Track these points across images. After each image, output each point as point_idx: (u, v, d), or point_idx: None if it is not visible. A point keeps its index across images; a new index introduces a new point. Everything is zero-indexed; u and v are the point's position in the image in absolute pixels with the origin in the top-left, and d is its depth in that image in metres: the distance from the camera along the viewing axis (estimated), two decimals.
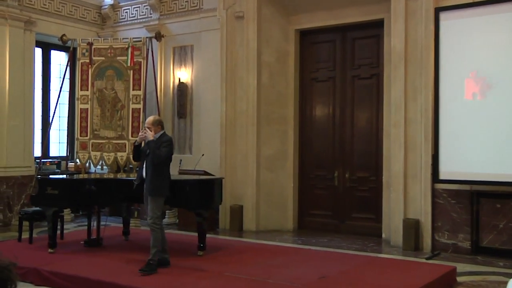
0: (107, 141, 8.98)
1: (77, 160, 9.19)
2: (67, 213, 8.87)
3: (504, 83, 6.39)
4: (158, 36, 9.20)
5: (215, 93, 8.92)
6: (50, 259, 6.08)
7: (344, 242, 7.54)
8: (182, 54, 9.61)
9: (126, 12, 10.29)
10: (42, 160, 9.15)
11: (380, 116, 7.99)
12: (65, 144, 9.79)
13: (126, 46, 8.87)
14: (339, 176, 8.41)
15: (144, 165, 5.71)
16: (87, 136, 9.03)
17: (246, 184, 8.56)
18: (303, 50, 8.82)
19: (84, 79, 9.04)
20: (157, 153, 5.58)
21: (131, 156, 7.39)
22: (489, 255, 6.60)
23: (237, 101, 8.68)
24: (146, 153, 5.68)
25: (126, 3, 10.26)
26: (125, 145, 8.86)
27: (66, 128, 9.89)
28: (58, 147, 10.44)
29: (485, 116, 6.49)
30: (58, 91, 9.16)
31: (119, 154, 8.76)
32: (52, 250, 6.40)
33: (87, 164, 9.22)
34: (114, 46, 9.03)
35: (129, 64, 8.82)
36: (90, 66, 9.03)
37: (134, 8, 10.21)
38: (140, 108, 8.86)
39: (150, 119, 5.86)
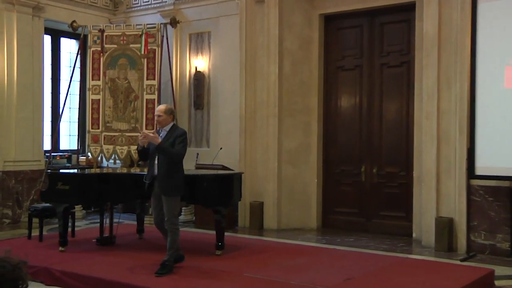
0: (120, 134, 9.04)
1: (89, 154, 9.27)
2: (78, 210, 8.97)
3: None
4: (174, 22, 9.21)
5: (234, 82, 8.91)
6: (61, 258, 6.15)
7: (372, 242, 7.51)
8: (198, 41, 9.62)
9: None
10: (52, 154, 9.26)
11: (410, 107, 7.92)
12: (76, 137, 9.88)
13: (140, 33, 8.90)
14: (366, 171, 8.37)
15: (156, 162, 5.59)
16: (99, 128, 9.10)
17: (266, 179, 8.56)
18: (328, 37, 8.77)
19: (96, 68, 9.10)
20: (173, 152, 5.48)
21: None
22: None
23: (257, 91, 8.66)
24: (155, 149, 5.53)
25: None
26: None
27: (77, 120, 9.98)
28: (68, 140, 10.56)
29: None
30: (68, 81, 9.24)
31: (132, 147, 8.80)
32: (63, 249, 6.48)
33: (99, 158, 9.30)
34: (127, 33, 9.06)
35: (142, 52, 8.85)
36: (101, 54, 9.08)
37: None
38: (154, 99, 8.89)
39: (161, 107, 5.76)
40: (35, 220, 7.37)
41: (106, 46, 9.09)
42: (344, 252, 6.84)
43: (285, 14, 8.56)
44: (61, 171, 7.64)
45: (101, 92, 9.09)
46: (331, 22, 8.74)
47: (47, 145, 9.56)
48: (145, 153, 5.73)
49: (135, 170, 7.28)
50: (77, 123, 9.95)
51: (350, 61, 8.59)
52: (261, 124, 8.64)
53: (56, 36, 10.21)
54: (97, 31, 9.13)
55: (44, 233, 7.38)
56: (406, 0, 7.81)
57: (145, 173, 5.86)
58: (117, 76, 9.09)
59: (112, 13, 10.53)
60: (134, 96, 9.03)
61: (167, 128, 5.65)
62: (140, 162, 9.08)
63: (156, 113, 5.75)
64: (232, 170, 8.08)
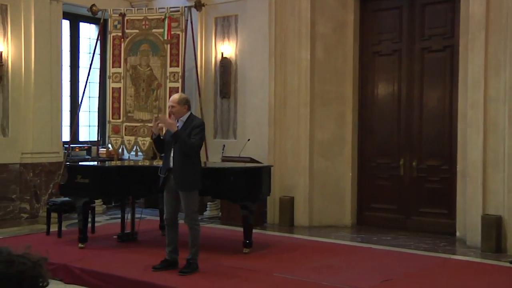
0: (142, 124, 9.11)
1: (109, 146, 9.37)
2: (98, 204, 9.07)
3: None
4: (198, 5, 9.22)
5: (263, 69, 8.89)
6: (80, 255, 6.24)
7: (411, 241, 7.45)
8: (225, 26, 9.61)
9: None
10: (71, 146, 9.38)
11: (454, 95, 7.80)
12: (96, 128, 9.99)
13: (163, 17, 8.94)
14: (405, 165, 8.29)
15: (171, 154, 5.60)
16: (120, 118, 9.18)
17: (297, 173, 8.55)
18: (364, 19, 8.69)
19: (116, 54, 9.18)
20: (190, 143, 5.46)
21: None
22: None
23: (288, 79, 8.63)
24: (171, 141, 5.55)
25: None
26: (162, 129, 8.93)
27: (96, 110, 10.08)
28: (88, 131, 10.68)
29: None
30: (88, 68, 9.33)
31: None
32: (82, 245, 6.57)
33: (120, 150, 9.39)
34: (149, 17, 9.11)
35: (166, 38, 8.89)
36: (122, 40, 9.15)
37: None
38: (178, 87, 8.93)
39: (175, 97, 5.74)
40: (54, 215, 7.48)
41: (127, 31, 9.16)
42: (381, 251, 6.80)
43: None
44: (80, 163, 7.75)
45: (122, 80, 9.17)
46: (367, 3, 8.65)
47: (65, 136, 9.68)
48: (160, 144, 5.73)
49: (158, 163, 7.32)
50: (97, 113, 10.06)
51: (388, 45, 8.49)
52: (292, 114, 8.61)
53: (75, 21, 10.31)
54: (117, 15, 9.19)
55: (63, 228, 7.49)
56: None
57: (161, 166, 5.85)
58: (139, 63, 9.15)
59: None
60: (157, 84, 9.08)
61: (184, 118, 5.65)
62: (163, 154, 9.15)
63: (169, 103, 5.73)
64: (260, 163, 8.08)
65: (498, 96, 6.96)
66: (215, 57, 9.69)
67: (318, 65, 8.55)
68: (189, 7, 9.12)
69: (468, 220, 7.22)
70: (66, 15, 9.77)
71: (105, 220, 9.00)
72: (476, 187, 7.11)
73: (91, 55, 9.52)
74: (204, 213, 9.17)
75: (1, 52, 8.61)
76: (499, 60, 6.94)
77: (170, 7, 9.11)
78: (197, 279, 5.39)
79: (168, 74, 9.03)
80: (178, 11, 9.03)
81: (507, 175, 6.87)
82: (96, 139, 9.78)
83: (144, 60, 9.13)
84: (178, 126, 5.59)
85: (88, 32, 10.62)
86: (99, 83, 9.66)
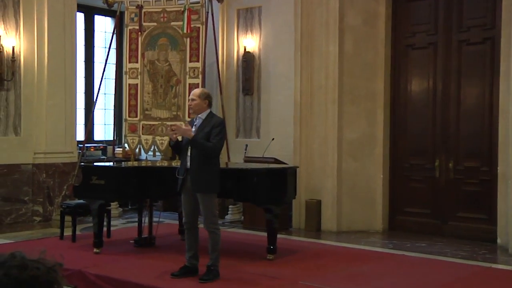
0: (160, 122, 9.16)
1: (126, 145, 9.44)
2: (114, 207, 9.16)
3: None
4: None
5: (288, 64, 8.89)
6: (95, 261, 6.30)
7: (448, 248, 7.39)
8: (248, 18, 9.62)
9: None
10: (86, 145, 9.47)
11: (494, 91, 7.73)
12: (112, 126, 10.08)
13: (182, 9, 8.97)
14: (441, 166, 8.24)
15: (188, 154, 5.61)
16: (137, 116, 9.24)
17: (325, 174, 8.53)
18: (397, 10, 8.65)
19: (133, 49, 9.24)
20: (209, 147, 5.48)
21: None
22: None
23: (315, 74, 8.62)
24: (188, 142, 5.57)
25: None
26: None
27: (112, 108, 10.17)
28: (103, 130, 10.79)
29: None
30: (103, 64, 9.41)
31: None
32: (97, 250, 6.63)
33: (137, 150, 9.45)
34: (167, 10, 9.16)
35: (185, 31, 8.92)
36: (140, 33, 9.21)
37: None
38: (198, 83, 8.95)
39: (196, 90, 5.81)
40: (68, 218, 7.56)
41: (144, 24, 9.21)
42: (415, 259, 6.76)
43: None
44: (95, 164, 7.82)
45: (139, 76, 9.23)
46: None
47: (80, 135, 9.79)
48: (179, 147, 5.76)
49: (177, 163, 7.35)
50: (112, 110, 10.14)
51: (423, 38, 8.44)
52: (319, 112, 8.60)
53: (90, 13, 10.42)
54: (134, 7, 9.26)
55: (77, 232, 7.56)
56: None
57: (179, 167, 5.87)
58: (157, 58, 9.20)
59: None
60: (176, 80, 9.13)
61: (203, 115, 5.66)
62: None
63: (190, 97, 5.76)
64: (285, 163, 8.08)
65: None
66: (237, 52, 9.71)
67: (347, 59, 8.52)
68: None
69: (510, 227, 7.14)
70: (80, 8, 9.88)
71: (121, 224, 9.07)
72: None
73: (107, 49, 9.59)
74: (226, 216, 9.20)
75: (13, 47, 8.73)
76: None
77: None
78: (218, 287, 5.41)
79: (187, 70, 9.07)
80: (198, 2, 9.06)
81: None
82: (112, 139, 9.86)
83: (162, 55, 9.18)
84: (196, 124, 5.62)
85: (104, 26, 10.72)
86: (115, 79, 9.73)
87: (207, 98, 5.68)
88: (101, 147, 10.16)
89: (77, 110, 9.71)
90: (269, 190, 6.41)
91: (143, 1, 9.39)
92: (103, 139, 10.63)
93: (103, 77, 9.38)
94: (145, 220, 7.26)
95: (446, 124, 8.24)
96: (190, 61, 9.06)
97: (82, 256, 6.45)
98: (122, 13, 9.51)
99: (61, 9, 9.21)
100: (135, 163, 8.17)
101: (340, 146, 8.50)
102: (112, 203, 8.20)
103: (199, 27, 9.01)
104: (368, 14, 8.59)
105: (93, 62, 10.51)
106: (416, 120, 8.51)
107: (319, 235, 8.26)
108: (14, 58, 8.72)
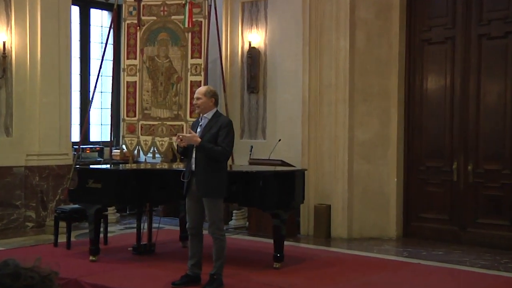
0: (160, 122, 9.17)
1: (124, 147, 9.45)
2: (111, 212, 9.16)
3: None
4: None
5: (296, 60, 8.89)
6: (92, 269, 6.31)
7: (467, 256, 7.38)
8: (253, 12, 9.63)
9: None
10: (81, 147, 9.49)
11: None
12: (109, 127, 10.08)
13: (183, 2, 8.98)
14: (459, 169, 8.22)
15: (194, 156, 5.63)
16: (135, 116, 9.26)
17: (335, 177, 8.53)
18: (412, 2, 8.64)
19: (132, 44, 9.26)
20: (218, 151, 5.49)
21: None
22: None
23: (324, 71, 8.62)
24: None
25: None
26: (183, 128, 9.00)
27: (109, 107, 10.18)
28: (100, 130, 10.79)
29: None
30: (100, 60, 9.42)
31: (175, 139, 8.92)
32: (94, 258, 6.63)
33: (136, 152, 9.47)
34: (168, 3, 9.17)
35: (186, 25, 8.93)
36: (138, 28, 9.22)
37: None
38: (200, 81, 8.97)
39: (201, 88, 5.82)
40: (62, 224, 7.57)
41: (143, 18, 9.22)
42: (431, 268, 6.74)
43: None
44: (91, 166, 7.83)
45: (137, 73, 9.24)
46: None
47: (75, 136, 9.80)
48: (188, 153, 5.74)
49: (178, 166, 7.37)
50: (109, 110, 10.15)
51: (440, 32, 8.43)
52: (329, 111, 8.59)
53: (86, 7, 10.44)
54: (133, 0, 9.27)
55: (72, 239, 7.57)
56: None
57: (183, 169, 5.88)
58: (157, 54, 9.21)
59: None
60: (177, 78, 9.13)
61: (209, 115, 5.67)
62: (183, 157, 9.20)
63: (195, 95, 5.77)
64: (293, 166, 8.07)
65: None
66: (242, 47, 9.71)
67: (358, 55, 8.51)
68: None
69: None
70: (75, 1, 9.89)
71: (119, 230, 9.08)
72: None
73: (104, 45, 9.61)
74: (230, 222, 9.20)
75: (4, 42, 8.74)
76: None
77: None
78: None
79: (189, 67, 9.08)
80: None
81: None
82: (109, 140, 9.86)
83: (162, 50, 9.19)
84: (201, 125, 5.63)
85: (100, 20, 10.73)
86: (112, 76, 9.74)
87: (213, 96, 5.69)
88: (97, 148, 10.17)
89: (72, 109, 9.71)
90: (276, 194, 6.41)
91: None
92: (100, 140, 10.64)
93: (100, 74, 9.40)
94: (144, 226, 7.26)
95: (465, 123, 8.22)
96: (192, 58, 9.07)
97: (78, 265, 6.46)
98: (119, 7, 9.53)
99: (55, 2, 9.21)
100: (134, 166, 8.18)
101: (351, 147, 8.49)
102: (109, 208, 8.19)
103: (201, 21, 9.02)
104: (381, 6, 8.58)
105: (89, 58, 10.52)
106: (432, 120, 8.49)
107: (329, 242, 8.26)
108: (5, 54, 8.73)
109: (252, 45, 9.57)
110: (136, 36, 9.23)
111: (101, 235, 7.16)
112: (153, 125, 9.20)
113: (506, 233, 7.79)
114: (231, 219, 9.26)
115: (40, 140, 9.08)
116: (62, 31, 9.30)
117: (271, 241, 6.52)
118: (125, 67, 9.30)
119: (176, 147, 6.08)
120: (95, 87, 9.38)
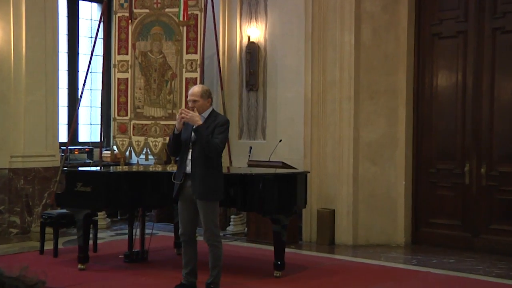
0: (153, 122, 9.16)
1: (114, 147, 9.44)
2: (101, 218, 9.16)
3: None
4: None
5: (297, 56, 8.89)
6: (80, 278, 6.30)
7: (480, 265, 7.39)
8: (252, 4, 9.63)
9: None
10: (69, 148, 9.47)
11: None
12: (99, 126, 10.08)
13: None
14: (471, 171, 8.23)
15: (189, 157, 5.63)
16: (127, 115, 9.25)
17: (339, 180, 8.54)
18: None
19: (123, 39, 9.25)
20: (213, 143, 5.50)
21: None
22: None
23: (328, 67, 8.63)
24: (189, 141, 5.59)
25: None
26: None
27: (99, 105, 10.17)
28: (89, 130, 10.78)
29: None
30: (89, 56, 9.42)
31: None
32: (83, 266, 6.63)
33: (127, 153, 9.46)
34: None
35: (181, 19, 8.93)
36: (130, 21, 9.21)
37: None
38: (196, 78, 8.97)
39: (196, 89, 5.77)
40: (49, 230, 7.56)
41: (135, 11, 9.22)
42: (442, 277, 6.75)
43: None
44: (80, 168, 7.81)
45: (129, 70, 9.23)
46: None
47: (63, 137, 9.79)
48: (178, 144, 5.68)
49: (172, 168, 7.36)
50: (99, 108, 10.14)
51: (451, 25, 8.44)
52: (333, 110, 8.60)
53: None
54: None
55: (60, 246, 7.57)
56: None
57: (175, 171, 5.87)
58: (150, 49, 9.21)
59: None
60: (171, 75, 9.13)
61: (205, 114, 5.70)
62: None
63: (189, 97, 5.74)
64: (295, 168, 8.08)
65: None
66: (241, 42, 9.71)
67: (364, 50, 8.52)
68: None
69: None
70: None
71: (109, 236, 9.07)
72: None
73: (93, 39, 9.60)
74: (227, 228, 9.20)
75: None
76: None
77: None
78: None
79: (184, 63, 9.07)
80: None
81: None
82: (98, 140, 9.86)
83: (155, 45, 9.18)
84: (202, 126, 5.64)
85: (89, 13, 10.72)
86: (102, 73, 9.73)
87: (209, 96, 5.76)
88: (86, 149, 10.16)
89: (60, 108, 9.71)
90: (277, 198, 6.41)
91: None
92: (89, 140, 10.63)
93: (89, 70, 9.39)
94: (137, 232, 7.26)
95: (478, 123, 8.23)
96: (187, 53, 9.07)
97: (66, 273, 6.46)
98: None
99: None
100: (125, 168, 8.16)
101: (356, 148, 8.50)
102: (99, 213, 8.19)
103: (197, 15, 9.02)
104: None
105: (78, 53, 10.50)
106: (443, 119, 8.51)
107: (333, 250, 8.27)
108: None
109: (251, 40, 9.56)
110: (128, 30, 9.23)
111: (91, 242, 7.15)
112: (146, 124, 9.19)
113: None
114: (229, 225, 9.25)
115: (25, 141, 9.07)
116: (49, 24, 9.29)
117: (271, 248, 6.53)
118: (116, 63, 9.29)
119: (173, 131, 5.85)
120: (84, 84, 9.38)
